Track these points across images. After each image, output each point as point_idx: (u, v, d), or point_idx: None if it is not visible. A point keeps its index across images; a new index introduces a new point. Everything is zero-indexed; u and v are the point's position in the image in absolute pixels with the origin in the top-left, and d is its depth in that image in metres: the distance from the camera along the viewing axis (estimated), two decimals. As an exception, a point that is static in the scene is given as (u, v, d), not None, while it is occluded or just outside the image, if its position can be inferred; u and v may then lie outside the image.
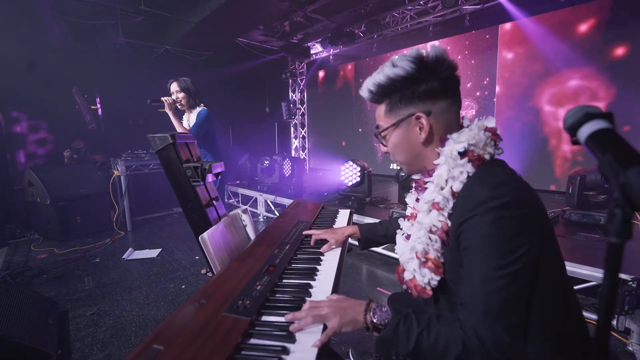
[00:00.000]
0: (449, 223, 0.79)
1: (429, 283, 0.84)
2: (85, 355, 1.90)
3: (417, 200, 0.95)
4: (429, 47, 0.83)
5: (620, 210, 0.45)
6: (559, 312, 0.74)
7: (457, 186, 0.78)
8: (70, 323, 2.21)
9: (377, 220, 1.46)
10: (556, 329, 0.73)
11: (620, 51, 4.22)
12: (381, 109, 0.90)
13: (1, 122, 4.31)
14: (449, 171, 0.79)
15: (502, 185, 0.71)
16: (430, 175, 0.85)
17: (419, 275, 0.85)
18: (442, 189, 0.80)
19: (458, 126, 0.87)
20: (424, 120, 0.83)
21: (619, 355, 1.84)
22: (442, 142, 0.84)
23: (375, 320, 0.75)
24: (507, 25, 5.16)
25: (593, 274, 2.10)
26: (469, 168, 0.77)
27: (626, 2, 4.12)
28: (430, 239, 0.83)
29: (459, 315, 0.72)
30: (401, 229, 1.02)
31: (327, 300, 0.83)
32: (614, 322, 1.94)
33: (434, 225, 0.81)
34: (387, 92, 0.86)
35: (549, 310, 0.71)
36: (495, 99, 5.41)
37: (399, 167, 4.34)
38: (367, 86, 0.88)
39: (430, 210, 0.83)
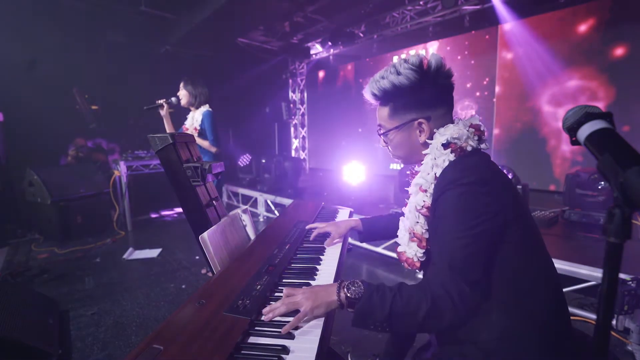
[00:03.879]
0: (431, 202, 0.91)
1: (416, 255, 0.96)
2: (86, 354, 1.90)
3: None
4: (428, 48, 0.88)
5: (620, 210, 0.45)
6: (530, 286, 0.82)
7: (439, 171, 0.89)
8: (70, 322, 2.21)
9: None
10: (524, 300, 0.81)
11: (619, 51, 4.22)
12: (384, 110, 0.98)
13: (1, 122, 4.31)
14: (433, 159, 0.90)
15: (471, 168, 0.84)
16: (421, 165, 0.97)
17: (408, 248, 0.98)
18: (427, 174, 0.92)
19: None
20: (425, 126, 0.93)
21: (618, 354, 1.84)
22: (432, 136, 0.95)
23: (349, 295, 0.80)
24: (507, 26, 5.16)
25: (592, 273, 2.10)
26: (451, 157, 0.88)
27: (626, 2, 4.12)
28: (415, 215, 0.95)
29: (428, 274, 0.82)
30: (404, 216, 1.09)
31: (304, 288, 0.88)
32: (614, 322, 1.94)
33: (418, 204, 0.93)
34: (391, 97, 0.94)
35: (516, 278, 0.81)
36: (495, 99, 5.41)
37: (400, 168, 4.34)
38: (372, 90, 0.96)
39: (418, 192, 0.95)
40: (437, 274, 0.80)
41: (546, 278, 0.86)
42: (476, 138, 0.90)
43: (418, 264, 0.96)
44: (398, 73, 0.89)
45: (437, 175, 0.89)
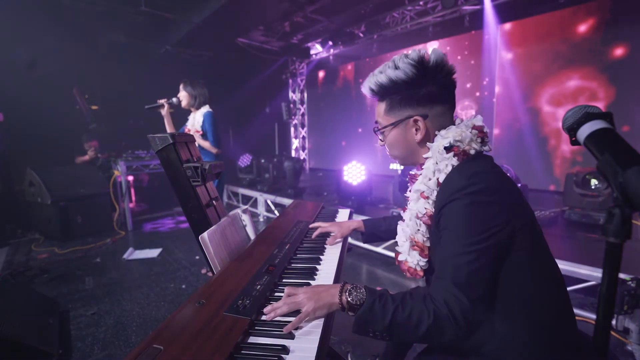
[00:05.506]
0: (433, 210, 0.87)
1: (418, 264, 0.93)
2: (86, 354, 1.90)
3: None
4: (429, 48, 0.86)
5: (619, 210, 0.45)
6: (537, 292, 0.79)
7: (442, 177, 0.85)
8: (71, 322, 2.21)
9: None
10: (531, 307, 0.78)
11: (619, 51, 4.22)
12: (381, 106, 0.96)
13: (1, 122, 4.31)
14: (435, 164, 0.87)
15: (476, 175, 0.79)
16: (422, 169, 0.93)
17: (409, 257, 0.95)
18: (429, 179, 0.88)
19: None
20: (420, 124, 0.89)
21: (618, 354, 1.84)
22: (433, 138, 0.91)
23: (350, 300, 0.79)
24: (507, 26, 5.16)
25: (592, 273, 2.10)
26: (454, 161, 0.84)
27: (626, 2, 4.12)
28: (416, 223, 0.92)
29: (430, 288, 0.79)
30: (402, 221, 1.05)
31: (305, 287, 0.87)
32: (613, 322, 1.94)
33: (420, 212, 0.90)
34: (388, 92, 0.92)
35: (522, 287, 0.78)
36: (494, 99, 5.41)
37: (402, 168, 4.33)
38: (369, 84, 0.93)
39: (419, 199, 0.91)
40: (440, 289, 0.76)
41: (552, 283, 0.83)
42: (479, 140, 0.86)
43: (421, 273, 0.93)
44: (396, 67, 0.86)
45: (440, 180, 0.85)
